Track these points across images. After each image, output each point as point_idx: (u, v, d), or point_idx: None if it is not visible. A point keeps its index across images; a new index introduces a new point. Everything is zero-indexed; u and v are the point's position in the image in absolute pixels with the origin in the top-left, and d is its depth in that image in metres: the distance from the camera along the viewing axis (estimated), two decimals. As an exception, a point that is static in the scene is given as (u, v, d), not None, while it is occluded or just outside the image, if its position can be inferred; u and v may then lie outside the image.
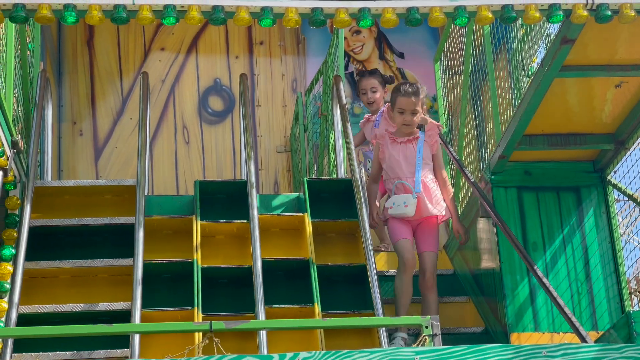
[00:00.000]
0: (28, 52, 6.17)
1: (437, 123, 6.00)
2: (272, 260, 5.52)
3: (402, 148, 5.77)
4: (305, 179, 6.09)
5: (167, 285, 5.52)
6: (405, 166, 5.72)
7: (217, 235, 5.81)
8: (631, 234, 7.04)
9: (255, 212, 5.53)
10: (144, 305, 5.09)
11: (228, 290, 5.57)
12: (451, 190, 5.97)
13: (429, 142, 5.83)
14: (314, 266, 5.46)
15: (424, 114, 5.81)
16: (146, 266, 5.26)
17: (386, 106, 6.31)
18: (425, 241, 5.72)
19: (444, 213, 5.78)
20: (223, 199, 6.03)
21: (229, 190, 6.09)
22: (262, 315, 4.92)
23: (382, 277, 6.21)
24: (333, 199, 6.17)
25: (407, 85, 5.73)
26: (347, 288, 5.71)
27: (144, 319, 5.00)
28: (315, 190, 6.04)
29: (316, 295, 5.29)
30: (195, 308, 5.20)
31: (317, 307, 5.22)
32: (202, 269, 5.41)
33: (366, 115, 6.70)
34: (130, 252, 5.34)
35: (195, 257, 5.46)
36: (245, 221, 5.64)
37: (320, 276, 5.46)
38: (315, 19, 4.68)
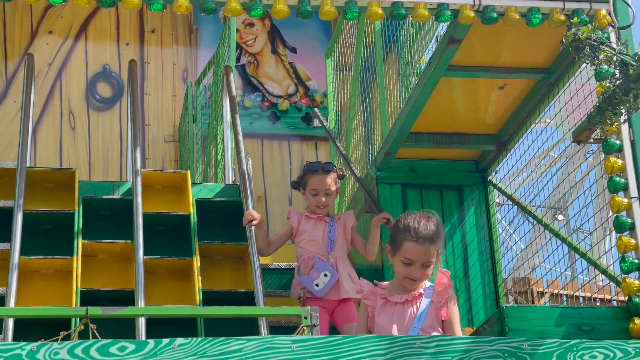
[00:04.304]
0: None
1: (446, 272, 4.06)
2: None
3: (398, 313, 3.92)
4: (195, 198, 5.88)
5: (47, 236, 5.47)
6: None
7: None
8: (511, 233, 7.22)
9: (139, 199, 5.45)
10: (23, 252, 5.04)
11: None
12: None
13: (437, 304, 3.92)
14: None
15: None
16: (26, 215, 5.20)
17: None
18: None
19: None
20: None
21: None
22: (142, 303, 4.85)
23: (265, 270, 6.20)
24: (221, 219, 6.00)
25: (421, 224, 3.96)
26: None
27: (22, 265, 4.96)
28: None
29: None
30: (74, 257, 5.19)
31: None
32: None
33: (307, 213, 5.24)
34: (7, 237, 5.20)
35: (75, 209, 5.43)
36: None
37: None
38: (206, 6, 4.65)
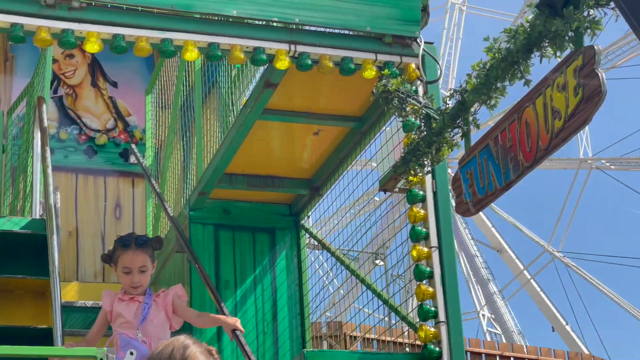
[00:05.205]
0: None
1: None
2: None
3: None
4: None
5: None
6: None
7: None
8: (328, 271, 7.27)
9: None
10: None
11: None
12: None
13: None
14: None
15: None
16: None
17: (165, 293, 4.60)
18: None
19: None
20: None
21: None
22: None
23: (70, 308, 6.02)
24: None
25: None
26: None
27: None
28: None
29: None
30: None
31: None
32: None
33: (120, 294, 4.68)
34: None
35: None
36: None
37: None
38: (14, 35, 4.51)
